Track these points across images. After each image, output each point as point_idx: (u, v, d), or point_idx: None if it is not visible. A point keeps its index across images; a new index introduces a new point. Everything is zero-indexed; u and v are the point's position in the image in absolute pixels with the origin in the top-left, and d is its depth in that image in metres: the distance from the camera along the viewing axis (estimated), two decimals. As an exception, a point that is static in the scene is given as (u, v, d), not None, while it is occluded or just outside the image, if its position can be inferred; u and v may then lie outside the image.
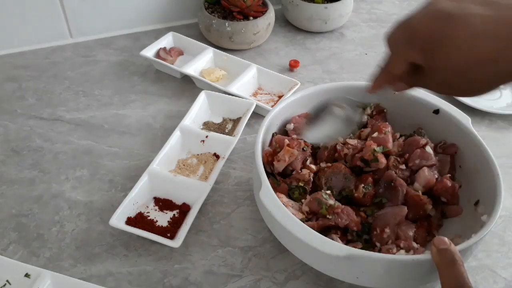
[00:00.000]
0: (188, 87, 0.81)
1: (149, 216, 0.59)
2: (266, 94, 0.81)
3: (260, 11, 0.88)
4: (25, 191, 0.62)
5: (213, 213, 0.61)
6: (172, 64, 0.82)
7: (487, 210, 0.51)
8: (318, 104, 0.57)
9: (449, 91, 0.42)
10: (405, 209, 0.52)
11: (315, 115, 0.57)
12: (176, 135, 0.67)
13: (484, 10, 0.37)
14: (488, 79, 0.38)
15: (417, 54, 0.40)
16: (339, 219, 0.51)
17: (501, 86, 0.40)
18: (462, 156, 0.58)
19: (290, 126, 0.62)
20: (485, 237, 0.47)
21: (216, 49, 0.84)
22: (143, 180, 0.60)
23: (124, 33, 0.92)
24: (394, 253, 0.49)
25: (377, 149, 0.56)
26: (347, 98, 0.56)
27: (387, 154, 0.57)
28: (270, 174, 0.58)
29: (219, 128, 0.72)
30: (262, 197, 0.49)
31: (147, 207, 0.60)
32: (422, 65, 0.41)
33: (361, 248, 0.47)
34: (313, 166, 0.58)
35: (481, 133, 0.67)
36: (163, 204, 0.60)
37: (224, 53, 0.84)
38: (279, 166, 0.57)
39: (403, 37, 0.41)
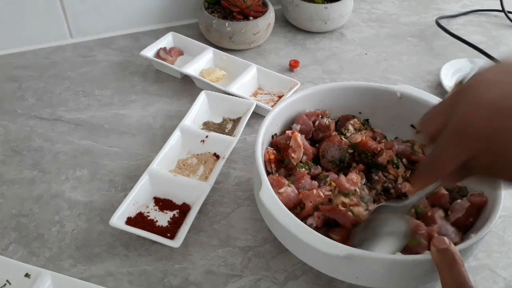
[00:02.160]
0: (188, 87, 0.81)
1: (149, 216, 0.59)
2: (266, 94, 0.81)
3: (260, 11, 0.88)
4: (25, 191, 0.62)
5: (213, 213, 0.61)
6: (172, 64, 0.82)
7: (487, 210, 0.51)
8: (371, 215, 0.50)
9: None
10: None
11: (366, 226, 0.49)
12: (176, 135, 0.67)
13: None
14: None
15: (472, 152, 0.37)
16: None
17: None
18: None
19: (297, 127, 0.62)
20: (485, 237, 0.47)
21: (216, 49, 0.84)
22: (143, 180, 0.60)
23: (124, 33, 0.92)
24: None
25: None
26: (395, 207, 0.49)
27: None
28: (270, 174, 0.58)
29: (219, 128, 0.72)
30: (262, 197, 0.49)
31: (147, 207, 0.60)
32: (481, 160, 0.37)
33: None
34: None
35: (481, 133, 0.67)
36: (163, 204, 0.60)
37: (224, 53, 0.84)
38: (298, 155, 0.57)
39: (452, 135, 0.38)
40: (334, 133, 0.61)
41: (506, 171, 0.37)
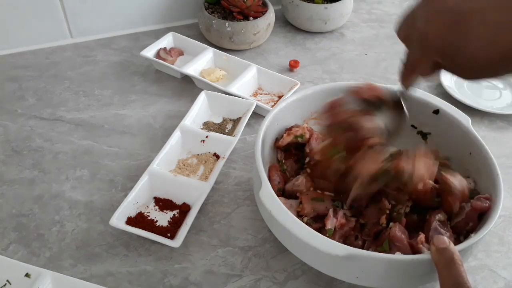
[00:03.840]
0: (188, 87, 0.81)
1: (149, 216, 0.59)
2: (266, 94, 0.81)
3: (260, 11, 0.88)
4: (26, 191, 0.62)
5: (213, 213, 0.61)
6: (172, 64, 0.82)
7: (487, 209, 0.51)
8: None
9: (477, 79, 0.41)
10: None
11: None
12: (176, 135, 0.67)
13: (489, 1, 0.35)
14: None
15: (436, 57, 0.40)
16: None
17: None
18: (462, 156, 0.58)
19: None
20: (485, 237, 0.47)
21: (216, 49, 0.84)
22: (143, 180, 0.60)
23: (124, 33, 0.92)
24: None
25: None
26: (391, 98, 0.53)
27: None
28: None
29: (219, 128, 0.72)
30: (262, 197, 0.49)
31: (147, 207, 0.60)
32: (445, 64, 0.41)
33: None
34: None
35: (481, 133, 0.67)
36: (163, 204, 0.60)
37: (224, 53, 0.84)
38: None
39: (416, 43, 0.42)
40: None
41: (460, 71, 0.40)
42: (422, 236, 0.49)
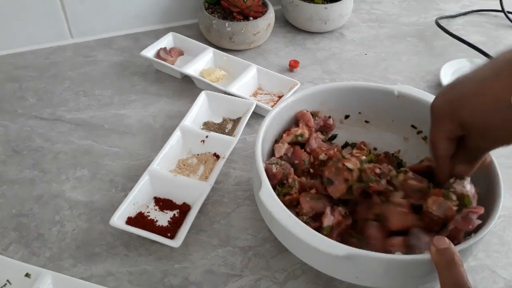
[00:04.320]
0: (188, 87, 0.81)
1: (149, 216, 0.59)
2: (266, 94, 0.81)
3: (260, 11, 0.88)
4: (26, 191, 0.62)
5: (213, 212, 0.61)
6: (172, 64, 0.82)
7: (487, 210, 0.51)
8: None
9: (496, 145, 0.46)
10: None
11: None
12: (176, 135, 0.67)
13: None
14: None
15: (452, 126, 0.46)
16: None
17: None
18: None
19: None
20: (485, 237, 0.47)
21: (216, 49, 0.84)
22: (144, 180, 0.60)
23: (124, 33, 0.92)
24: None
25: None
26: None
27: None
28: None
29: (219, 128, 0.72)
30: (262, 197, 0.49)
31: (148, 207, 0.60)
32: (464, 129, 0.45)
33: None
34: None
35: (480, 133, 0.67)
36: (163, 204, 0.60)
37: (224, 53, 0.84)
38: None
39: (431, 122, 0.49)
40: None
41: (482, 139, 0.45)
42: (398, 239, 0.49)
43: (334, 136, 0.67)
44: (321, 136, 0.62)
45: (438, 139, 0.48)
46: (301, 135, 0.60)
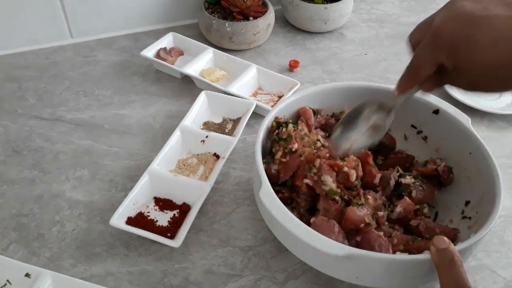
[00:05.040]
0: (188, 87, 0.81)
1: (149, 216, 0.59)
2: (266, 94, 0.81)
3: (260, 11, 0.88)
4: (26, 191, 0.62)
5: (213, 213, 0.61)
6: (172, 64, 0.82)
7: (487, 210, 0.51)
8: (357, 105, 0.55)
9: (475, 89, 0.43)
10: None
11: (349, 117, 0.55)
12: (176, 135, 0.67)
13: (506, 11, 0.38)
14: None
15: (443, 56, 0.42)
16: None
17: None
18: (462, 156, 0.58)
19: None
20: (485, 237, 0.47)
21: (216, 49, 0.84)
22: (144, 180, 0.60)
23: (124, 33, 0.92)
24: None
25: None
26: (381, 101, 0.54)
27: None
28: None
29: (219, 128, 0.72)
30: (262, 197, 0.49)
31: (147, 207, 0.60)
32: (449, 66, 0.42)
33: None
34: None
35: (481, 133, 0.67)
36: (163, 204, 0.60)
37: (224, 53, 0.84)
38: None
39: (428, 39, 0.43)
40: None
41: (461, 77, 0.42)
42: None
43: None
44: (322, 133, 0.62)
45: (427, 60, 0.43)
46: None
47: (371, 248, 0.49)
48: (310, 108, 0.62)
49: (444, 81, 0.45)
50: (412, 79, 0.47)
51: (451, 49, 0.41)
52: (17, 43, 0.85)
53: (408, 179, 0.57)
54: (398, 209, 0.54)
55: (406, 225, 0.55)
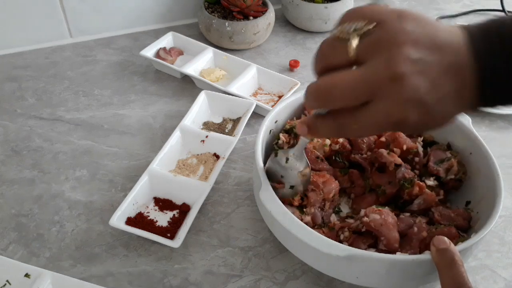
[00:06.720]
0: (188, 87, 0.81)
1: (149, 216, 0.59)
2: (266, 94, 0.81)
3: (260, 11, 0.88)
4: (25, 191, 0.62)
5: (213, 213, 0.61)
6: (172, 64, 0.82)
7: (487, 210, 0.51)
8: None
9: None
10: None
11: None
12: (176, 135, 0.67)
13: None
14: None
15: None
16: None
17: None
18: (462, 156, 0.58)
19: None
20: (485, 237, 0.47)
21: (216, 49, 0.84)
22: (143, 180, 0.60)
23: (124, 33, 0.92)
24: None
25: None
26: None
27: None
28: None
29: (219, 128, 0.72)
30: (262, 197, 0.49)
31: (147, 207, 0.60)
32: None
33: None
34: None
35: (481, 133, 0.67)
36: (163, 204, 0.60)
37: (224, 53, 0.84)
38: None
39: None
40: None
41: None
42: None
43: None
44: None
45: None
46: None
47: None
48: None
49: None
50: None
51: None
52: (16, 42, 0.85)
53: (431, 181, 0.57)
54: (418, 200, 0.54)
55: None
